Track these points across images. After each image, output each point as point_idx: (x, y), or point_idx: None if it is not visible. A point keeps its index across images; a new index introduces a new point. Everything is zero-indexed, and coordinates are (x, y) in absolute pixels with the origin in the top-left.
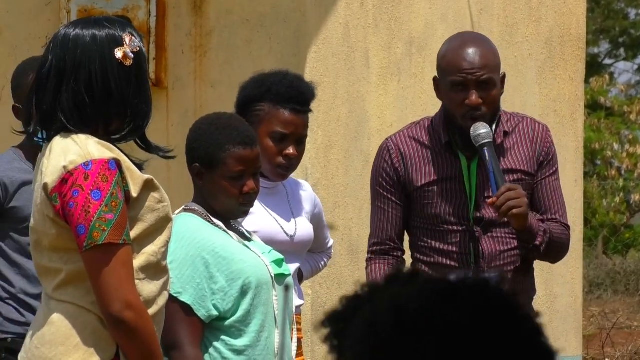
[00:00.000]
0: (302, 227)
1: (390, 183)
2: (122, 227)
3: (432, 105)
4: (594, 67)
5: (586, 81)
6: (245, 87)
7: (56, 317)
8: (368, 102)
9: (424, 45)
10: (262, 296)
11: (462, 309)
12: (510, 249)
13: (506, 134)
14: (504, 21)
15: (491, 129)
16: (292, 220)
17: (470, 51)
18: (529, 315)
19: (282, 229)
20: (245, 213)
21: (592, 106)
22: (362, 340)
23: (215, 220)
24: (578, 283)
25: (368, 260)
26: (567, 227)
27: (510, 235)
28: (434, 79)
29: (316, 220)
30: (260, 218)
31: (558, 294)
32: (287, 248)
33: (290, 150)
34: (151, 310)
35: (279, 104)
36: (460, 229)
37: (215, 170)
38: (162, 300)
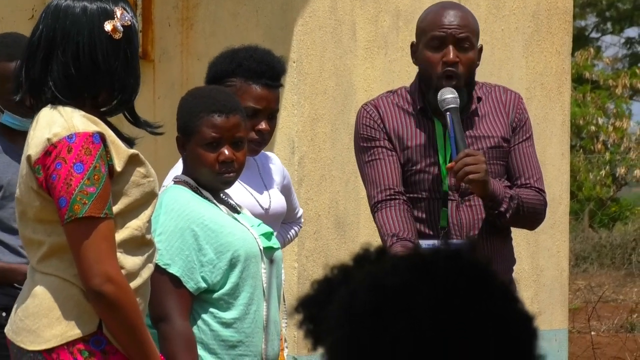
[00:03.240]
0: (276, 199)
1: (379, 133)
2: (104, 201)
3: None
4: (580, 40)
5: (572, 55)
6: (215, 63)
7: (40, 290)
8: (355, 75)
9: (411, 18)
10: (251, 269)
11: (439, 283)
12: (479, 217)
13: (479, 99)
14: None
15: (468, 96)
16: (266, 192)
17: (452, 12)
18: (504, 283)
19: (257, 202)
20: (226, 183)
21: (578, 80)
22: (340, 323)
23: (204, 193)
24: (564, 256)
25: (375, 211)
26: (541, 191)
27: None
28: (412, 45)
29: (286, 191)
30: (235, 192)
31: (544, 267)
32: (262, 220)
33: (263, 125)
34: (135, 283)
35: (250, 79)
36: (433, 196)
37: (192, 138)
38: (146, 273)
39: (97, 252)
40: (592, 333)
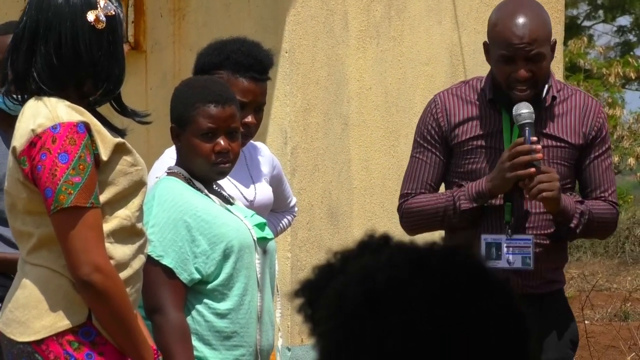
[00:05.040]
0: (262, 192)
1: (433, 135)
2: (89, 190)
3: (410, 68)
4: (572, 29)
5: (565, 43)
6: (203, 54)
7: (29, 281)
8: (347, 65)
9: (403, 8)
10: (245, 259)
11: (432, 279)
12: (542, 212)
13: (554, 98)
14: None
15: (541, 95)
16: (252, 185)
17: (520, 23)
18: (500, 280)
19: (242, 194)
20: (221, 174)
21: (571, 68)
22: (332, 313)
23: (196, 184)
24: None
25: (400, 205)
26: (615, 204)
27: None
28: (484, 44)
29: (275, 180)
30: (224, 184)
31: None
32: None
33: (249, 118)
34: (125, 273)
35: (237, 72)
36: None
37: (187, 129)
38: (137, 263)
39: (84, 242)
40: (586, 322)
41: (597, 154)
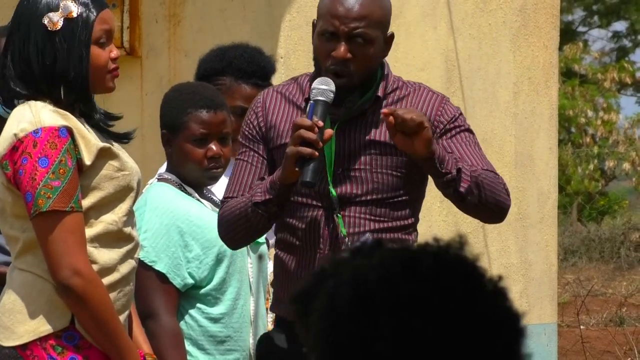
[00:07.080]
0: None
1: (253, 134)
2: (69, 195)
3: (406, 74)
4: (568, 34)
5: (560, 49)
6: (206, 60)
7: (16, 286)
8: None
9: (398, 13)
10: (237, 264)
11: (424, 279)
12: (362, 232)
13: (377, 98)
14: None
15: (363, 92)
16: None
17: None
18: (492, 280)
19: None
20: (213, 179)
21: (566, 74)
22: (323, 315)
23: (188, 189)
24: (553, 250)
25: (222, 204)
26: (496, 173)
27: (367, 216)
28: (313, 22)
29: None
30: (216, 189)
31: (533, 262)
32: None
33: None
34: (111, 278)
35: (240, 78)
36: (314, 203)
37: (179, 134)
38: (125, 268)
39: (63, 246)
40: (582, 327)
41: (451, 134)
